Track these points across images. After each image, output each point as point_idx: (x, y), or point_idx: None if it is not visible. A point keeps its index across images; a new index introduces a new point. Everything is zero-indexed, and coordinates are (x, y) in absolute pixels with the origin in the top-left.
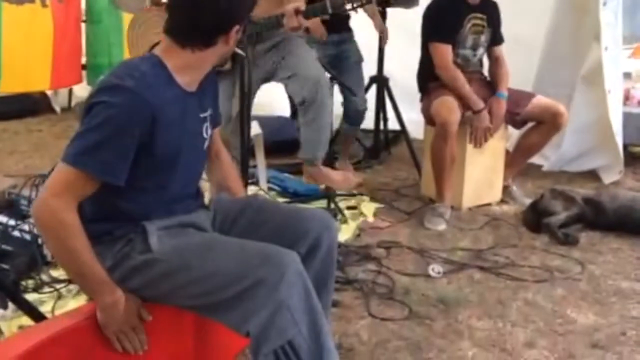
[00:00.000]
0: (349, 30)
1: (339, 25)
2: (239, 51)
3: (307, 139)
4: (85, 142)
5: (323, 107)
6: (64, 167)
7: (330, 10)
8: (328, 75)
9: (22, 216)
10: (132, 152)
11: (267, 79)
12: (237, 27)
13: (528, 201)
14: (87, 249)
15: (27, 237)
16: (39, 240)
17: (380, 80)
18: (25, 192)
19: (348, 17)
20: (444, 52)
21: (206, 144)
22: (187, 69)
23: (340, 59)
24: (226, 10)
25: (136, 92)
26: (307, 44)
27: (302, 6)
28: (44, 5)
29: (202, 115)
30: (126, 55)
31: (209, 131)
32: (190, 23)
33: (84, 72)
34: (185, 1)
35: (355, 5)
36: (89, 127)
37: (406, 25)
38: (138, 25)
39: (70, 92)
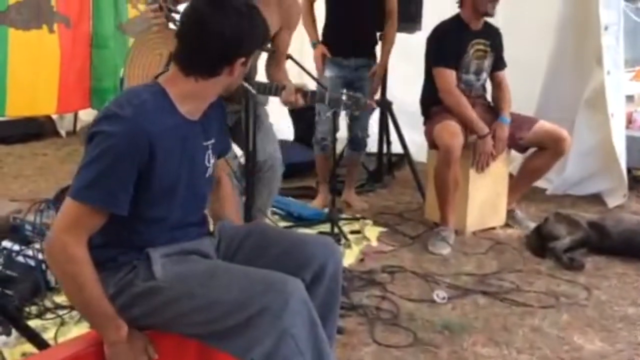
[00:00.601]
0: (371, 56)
1: (360, 50)
2: (246, 85)
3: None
4: (87, 175)
5: (269, 182)
6: (71, 202)
7: (327, 103)
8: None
9: (27, 241)
10: (133, 180)
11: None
12: (242, 60)
13: (532, 225)
14: (97, 284)
15: (31, 262)
16: (43, 266)
17: (384, 104)
18: (30, 217)
19: (375, 42)
20: (448, 77)
21: (209, 172)
22: (190, 97)
23: (355, 86)
24: (232, 41)
25: (133, 121)
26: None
27: (305, 88)
28: (51, 31)
29: (205, 144)
30: None
31: (212, 160)
32: (196, 51)
33: None
34: (192, 29)
35: (354, 107)
36: (90, 158)
37: (409, 50)
38: (137, 46)
39: (76, 115)
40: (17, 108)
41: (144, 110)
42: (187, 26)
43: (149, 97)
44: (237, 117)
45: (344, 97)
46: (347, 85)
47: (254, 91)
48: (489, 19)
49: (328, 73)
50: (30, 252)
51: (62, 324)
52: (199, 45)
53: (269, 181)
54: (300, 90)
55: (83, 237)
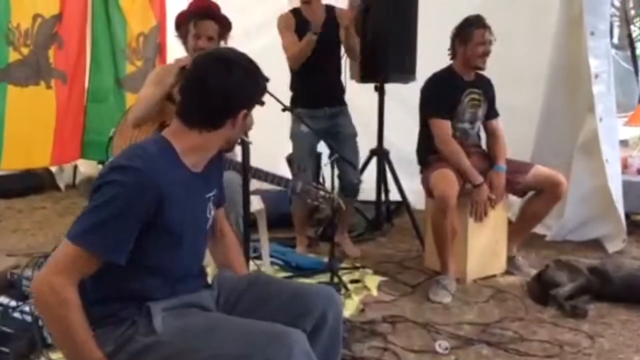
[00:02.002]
0: (343, 103)
1: (332, 98)
2: (244, 137)
3: None
4: (90, 220)
5: None
6: (67, 244)
7: (297, 192)
8: (326, 147)
9: (24, 297)
10: (136, 231)
11: None
12: (244, 112)
13: (533, 272)
14: (85, 329)
15: (28, 318)
16: (40, 322)
17: (381, 153)
18: (28, 272)
19: (343, 91)
20: (444, 127)
21: (209, 223)
22: (194, 150)
23: (333, 132)
24: (235, 95)
25: (144, 173)
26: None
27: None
28: (48, 87)
29: (207, 196)
30: None
31: (212, 211)
32: (200, 104)
33: None
34: (196, 82)
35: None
36: (96, 204)
37: (404, 98)
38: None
39: (75, 169)
40: (12, 161)
41: (153, 164)
42: (191, 81)
43: (156, 150)
44: None
45: (315, 190)
46: (324, 135)
47: (250, 142)
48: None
49: (304, 128)
50: (27, 308)
51: None
52: (202, 100)
53: None
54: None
55: (74, 281)
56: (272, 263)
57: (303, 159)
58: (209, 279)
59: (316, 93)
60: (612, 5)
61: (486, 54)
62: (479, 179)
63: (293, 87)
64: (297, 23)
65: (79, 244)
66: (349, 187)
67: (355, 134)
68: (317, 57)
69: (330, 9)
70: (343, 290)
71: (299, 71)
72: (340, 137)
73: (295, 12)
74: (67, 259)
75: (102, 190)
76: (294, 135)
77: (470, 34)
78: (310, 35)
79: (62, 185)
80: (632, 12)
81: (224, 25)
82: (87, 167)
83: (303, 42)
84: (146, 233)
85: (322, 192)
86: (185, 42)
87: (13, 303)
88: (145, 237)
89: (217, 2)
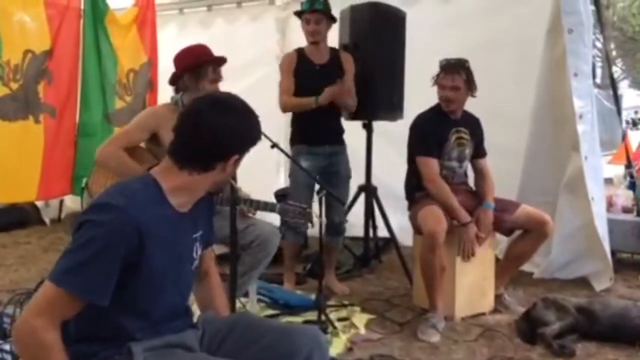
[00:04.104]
0: (342, 143)
1: (332, 137)
2: (232, 183)
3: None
4: (70, 261)
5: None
6: (49, 286)
7: (277, 212)
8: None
9: (4, 335)
10: (117, 271)
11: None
12: (236, 157)
13: (521, 310)
14: None
15: (8, 357)
16: None
17: (369, 189)
18: (9, 309)
19: (342, 130)
20: (432, 165)
21: (195, 264)
22: (182, 190)
23: (330, 172)
24: (228, 138)
25: (124, 211)
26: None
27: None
28: (37, 121)
29: (194, 236)
30: None
31: (199, 251)
32: (192, 145)
33: None
34: (190, 125)
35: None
36: (76, 245)
37: (392, 135)
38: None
39: (61, 203)
40: None
41: (135, 201)
42: (185, 122)
43: (140, 188)
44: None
45: (293, 208)
46: (322, 172)
47: (239, 188)
48: (469, 109)
49: (304, 164)
50: (7, 347)
51: None
52: (195, 141)
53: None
54: (248, 200)
55: (55, 322)
56: (259, 300)
57: (301, 197)
58: (194, 318)
59: (316, 131)
60: (594, 46)
61: (447, 99)
62: (467, 217)
63: (294, 123)
64: (298, 63)
65: (59, 285)
66: (334, 226)
67: (349, 176)
68: (318, 95)
69: (334, 50)
70: (330, 329)
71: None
72: (337, 176)
73: (299, 51)
74: (48, 301)
75: (82, 230)
76: (292, 173)
77: (438, 77)
78: (312, 102)
79: (47, 220)
80: (614, 53)
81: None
82: (74, 202)
83: (303, 101)
84: (129, 272)
85: (299, 209)
86: (190, 83)
87: None
88: (129, 276)
89: (216, 38)
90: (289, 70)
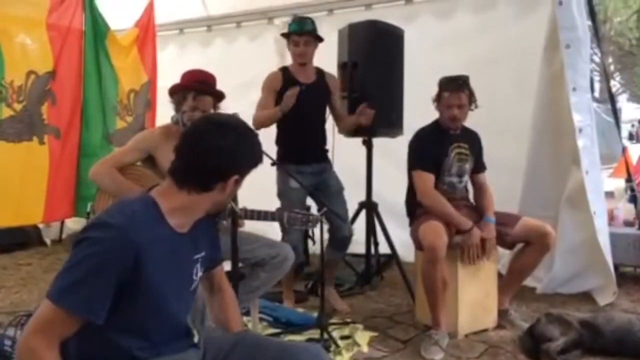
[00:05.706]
0: (328, 161)
1: (317, 155)
2: (233, 205)
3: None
4: (67, 280)
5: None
6: (46, 304)
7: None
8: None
9: (5, 357)
10: (112, 290)
11: None
12: (235, 177)
13: (526, 325)
14: None
15: None
16: None
17: (370, 206)
18: (10, 331)
19: (327, 149)
20: (426, 180)
21: (194, 285)
22: (180, 210)
23: (322, 188)
24: (228, 159)
25: (122, 230)
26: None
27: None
28: (41, 142)
29: (195, 257)
30: None
31: (199, 273)
32: (192, 165)
33: None
34: (190, 145)
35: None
36: (72, 263)
37: (392, 152)
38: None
39: (62, 224)
40: (3, 218)
41: (134, 221)
42: (186, 141)
43: (139, 208)
44: None
45: (301, 216)
46: (313, 189)
47: (238, 210)
48: (468, 124)
49: (293, 184)
50: None
51: None
52: (195, 160)
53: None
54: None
55: (54, 342)
56: (261, 319)
57: None
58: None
59: (301, 150)
60: (592, 60)
61: (453, 118)
62: (468, 223)
63: (279, 142)
64: (283, 82)
65: (55, 303)
66: (341, 241)
67: (342, 188)
68: (305, 114)
69: (320, 71)
70: (333, 347)
71: (285, 128)
72: (329, 191)
73: (284, 70)
74: (46, 319)
75: (79, 248)
76: (283, 192)
77: (440, 95)
78: (278, 111)
79: (48, 241)
80: (612, 68)
81: (219, 99)
82: (75, 222)
83: (268, 113)
84: (127, 292)
85: (308, 216)
86: (179, 107)
87: None
88: (127, 296)
89: (216, 58)
90: (270, 89)
